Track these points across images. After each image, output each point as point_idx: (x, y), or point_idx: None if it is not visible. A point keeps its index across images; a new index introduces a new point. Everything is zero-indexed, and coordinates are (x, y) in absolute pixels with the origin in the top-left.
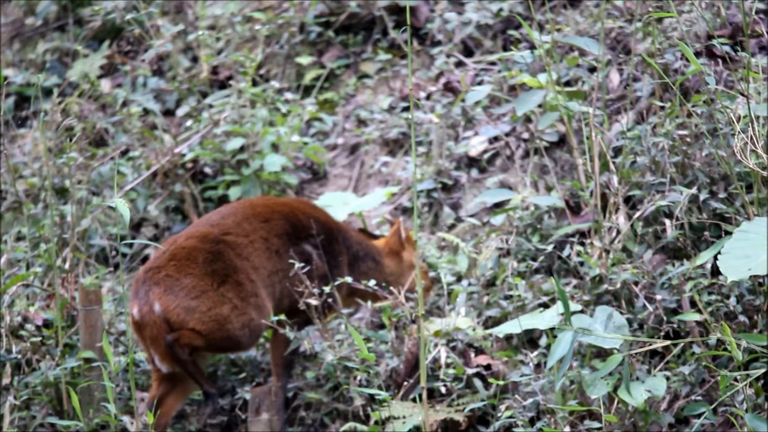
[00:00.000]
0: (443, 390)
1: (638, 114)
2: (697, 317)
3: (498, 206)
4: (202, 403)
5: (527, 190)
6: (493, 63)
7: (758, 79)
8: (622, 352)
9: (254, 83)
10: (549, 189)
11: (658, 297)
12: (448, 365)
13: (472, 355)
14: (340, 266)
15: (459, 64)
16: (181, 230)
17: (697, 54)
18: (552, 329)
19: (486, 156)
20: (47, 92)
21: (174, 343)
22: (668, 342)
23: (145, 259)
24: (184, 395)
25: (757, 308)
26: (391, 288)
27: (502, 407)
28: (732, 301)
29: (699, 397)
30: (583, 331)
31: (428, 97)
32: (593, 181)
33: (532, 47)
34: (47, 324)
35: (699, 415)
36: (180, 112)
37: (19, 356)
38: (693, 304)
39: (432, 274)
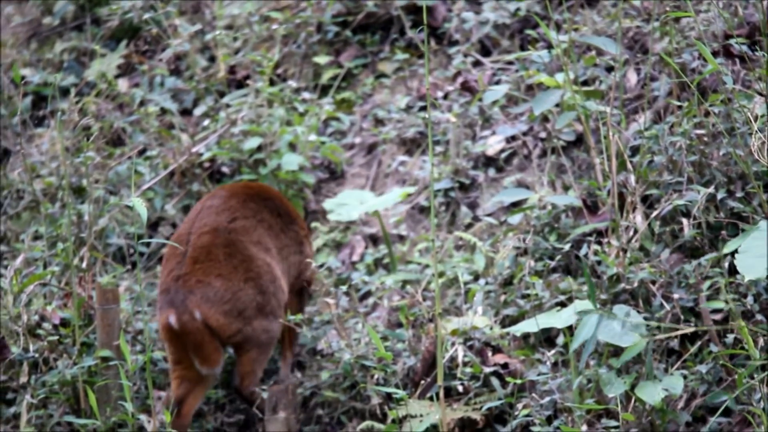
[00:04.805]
0: (460, 389)
1: (655, 113)
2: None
3: (515, 205)
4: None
5: (544, 189)
6: (510, 62)
7: None
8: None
9: (271, 83)
10: (566, 188)
11: (676, 296)
12: (465, 364)
13: (489, 353)
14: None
15: (476, 64)
16: None
17: (715, 53)
18: (569, 328)
19: (503, 155)
20: (64, 92)
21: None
22: (690, 329)
23: (162, 258)
24: (203, 394)
25: None
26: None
27: (520, 406)
28: (749, 300)
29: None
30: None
31: (445, 97)
32: (610, 181)
33: (550, 47)
34: (64, 323)
35: (715, 412)
36: (197, 111)
37: (37, 355)
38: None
39: (449, 273)
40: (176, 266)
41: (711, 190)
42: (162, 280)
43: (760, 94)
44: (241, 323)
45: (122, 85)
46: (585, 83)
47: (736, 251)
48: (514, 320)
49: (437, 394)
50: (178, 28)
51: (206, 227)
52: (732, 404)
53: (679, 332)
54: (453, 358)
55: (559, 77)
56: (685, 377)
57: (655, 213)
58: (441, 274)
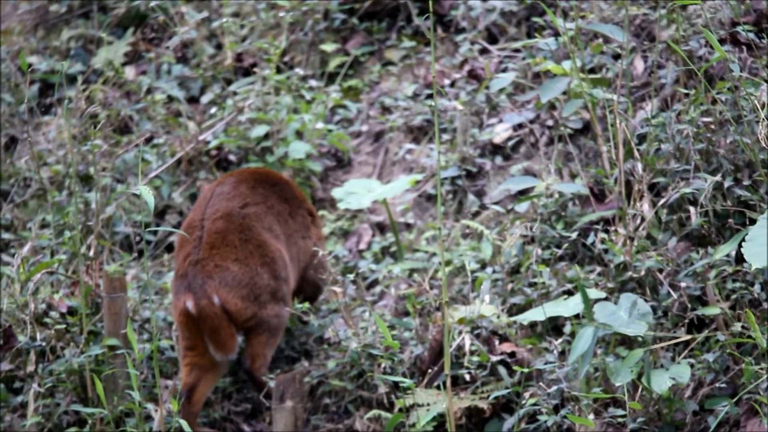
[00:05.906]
0: (467, 377)
1: (663, 101)
2: (718, 311)
3: (522, 193)
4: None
5: (551, 177)
6: (517, 50)
7: None
8: (647, 341)
9: (278, 70)
10: (573, 176)
11: (683, 284)
12: (472, 353)
13: (497, 342)
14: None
15: (483, 51)
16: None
17: (722, 41)
18: (576, 316)
19: (510, 143)
20: (71, 79)
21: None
22: (690, 337)
23: (170, 246)
24: (214, 382)
25: None
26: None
27: (527, 395)
28: (756, 288)
29: (723, 385)
30: (604, 326)
31: (452, 85)
32: (618, 169)
33: (557, 34)
34: (72, 311)
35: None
36: (204, 99)
37: (44, 344)
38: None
39: (456, 261)
40: (192, 251)
41: (718, 178)
42: (178, 265)
43: (767, 82)
44: (257, 307)
45: (129, 72)
46: (592, 71)
47: (743, 240)
48: (521, 309)
49: (444, 383)
50: (184, 16)
51: (219, 213)
52: (732, 408)
53: (685, 338)
54: (460, 347)
55: (566, 65)
56: (692, 366)
57: (662, 201)
58: (448, 263)
